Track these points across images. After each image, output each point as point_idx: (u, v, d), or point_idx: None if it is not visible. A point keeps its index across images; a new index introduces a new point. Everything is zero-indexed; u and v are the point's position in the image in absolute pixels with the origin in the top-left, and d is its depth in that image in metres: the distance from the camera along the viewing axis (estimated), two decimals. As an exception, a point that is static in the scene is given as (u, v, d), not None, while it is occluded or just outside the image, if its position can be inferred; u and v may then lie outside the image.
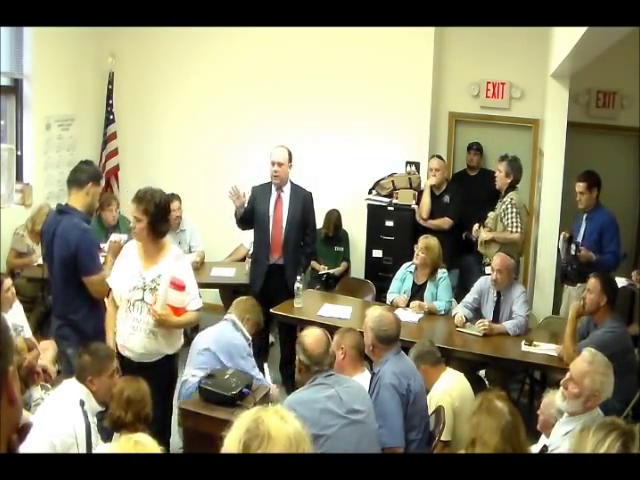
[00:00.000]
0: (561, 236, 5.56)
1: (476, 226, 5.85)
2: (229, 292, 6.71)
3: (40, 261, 5.79)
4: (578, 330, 4.56)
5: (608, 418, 2.58)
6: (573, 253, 5.30)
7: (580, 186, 5.46)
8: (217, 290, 6.87)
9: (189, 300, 3.96)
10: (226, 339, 4.39)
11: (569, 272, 5.42)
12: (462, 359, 4.84)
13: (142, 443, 2.33)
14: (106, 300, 4.17)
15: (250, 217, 5.66)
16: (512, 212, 5.66)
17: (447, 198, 6.26)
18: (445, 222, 6.18)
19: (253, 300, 4.76)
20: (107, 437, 3.32)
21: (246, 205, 5.63)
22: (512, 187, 5.82)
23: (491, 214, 5.82)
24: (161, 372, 3.97)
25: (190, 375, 4.30)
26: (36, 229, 6.16)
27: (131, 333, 3.93)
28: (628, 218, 6.53)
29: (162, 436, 3.78)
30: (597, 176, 5.48)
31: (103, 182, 4.41)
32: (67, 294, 4.18)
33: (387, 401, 3.50)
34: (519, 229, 5.67)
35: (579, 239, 5.50)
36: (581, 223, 5.56)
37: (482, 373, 5.26)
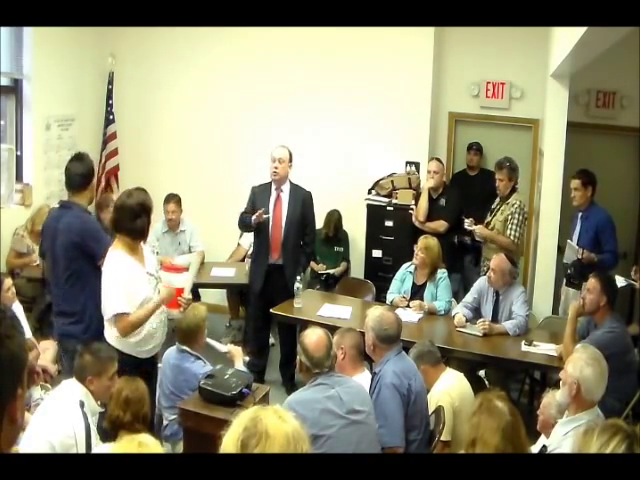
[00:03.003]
0: (568, 242, 5.55)
1: (468, 221, 5.83)
2: (235, 293, 6.69)
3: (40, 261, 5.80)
4: (578, 330, 4.56)
5: (610, 420, 2.58)
6: (579, 257, 5.29)
7: (575, 183, 5.50)
8: (218, 290, 6.89)
9: None
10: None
11: (572, 275, 5.39)
12: (462, 359, 4.85)
13: (145, 444, 2.32)
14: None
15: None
16: (518, 219, 5.67)
17: (443, 201, 6.22)
18: (440, 225, 6.09)
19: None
20: (106, 438, 3.31)
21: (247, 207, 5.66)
22: (514, 189, 5.83)
23: (499, 217, 5.80)
24: (155, 357, 4.18)
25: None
26: (36, 229, 6.17)
27: (156, 329, 3.99)
28: (628, 218, 6.52)
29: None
30: (592, 175, 5.51)
31: (92, 179, 4.38)
32: (68, 288, 4.15)
33: (388, 401, 3.50)
34: (517, 240, 5.68)
35: (574, 237, 5.51)
36: (577, 222, 5.58)
37: (482, 373, 5.26)
